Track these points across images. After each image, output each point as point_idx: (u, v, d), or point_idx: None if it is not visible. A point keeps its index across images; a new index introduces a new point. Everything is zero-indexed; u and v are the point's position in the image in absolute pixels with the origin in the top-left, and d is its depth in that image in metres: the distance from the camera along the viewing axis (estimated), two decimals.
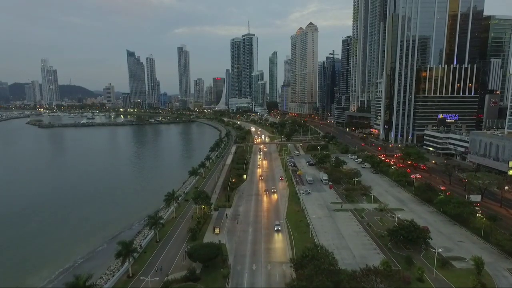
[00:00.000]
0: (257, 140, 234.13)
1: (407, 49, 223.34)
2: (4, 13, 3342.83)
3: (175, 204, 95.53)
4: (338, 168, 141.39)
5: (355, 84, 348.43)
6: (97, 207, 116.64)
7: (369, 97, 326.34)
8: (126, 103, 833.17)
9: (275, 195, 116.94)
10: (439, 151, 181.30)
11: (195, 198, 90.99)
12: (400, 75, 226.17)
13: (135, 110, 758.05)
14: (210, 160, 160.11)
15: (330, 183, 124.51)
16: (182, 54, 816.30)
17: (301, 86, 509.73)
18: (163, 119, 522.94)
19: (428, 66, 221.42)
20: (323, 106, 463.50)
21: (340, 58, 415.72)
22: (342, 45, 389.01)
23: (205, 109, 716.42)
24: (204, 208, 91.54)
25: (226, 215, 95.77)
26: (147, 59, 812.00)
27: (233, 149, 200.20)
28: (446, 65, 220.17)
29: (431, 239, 71.95)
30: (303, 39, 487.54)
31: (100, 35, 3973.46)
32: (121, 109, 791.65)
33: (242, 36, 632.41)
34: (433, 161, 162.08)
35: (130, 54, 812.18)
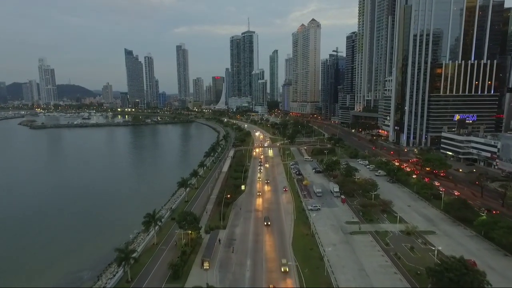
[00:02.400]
0: (257, 150, 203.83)
1: (420, 44, 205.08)
2: (4, 13, 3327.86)
3: (156, 228, 77.70)
4: (350, 177, 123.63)
5: (361, 83, 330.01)
6: (57, 235, 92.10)
7: (376, 96, 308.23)
8: (124, 102, 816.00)
9: (279, 209, 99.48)
10: (460, 156, 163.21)
11: (180, 221, 73.17)
12: (412, 72, 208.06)
13: (133, 110, 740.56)
14: (205, 167, 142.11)
15: (343, 197, 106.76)
16: (181, 53, 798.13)
17: (303, 84, 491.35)
18: (160, 119, 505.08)
19: (443, 62, 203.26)
20: (326, 105, 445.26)
21: (345, 55, 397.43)
22: (346, 42, 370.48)
23: (204, 108, 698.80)
24: (191, 234, 73.82)
25: (219, 240, 78.15)
26: (145, 57, 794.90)
27: (231, 153, 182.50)
28: (463, 61, 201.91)
29: (490, 285, 53.87)
30: (305, 36, 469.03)
31: (100, 34, 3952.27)
32: (119, 109, 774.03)
33: (242, 33, 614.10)
34: (460, 169, 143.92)
35: (128, 53, 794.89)
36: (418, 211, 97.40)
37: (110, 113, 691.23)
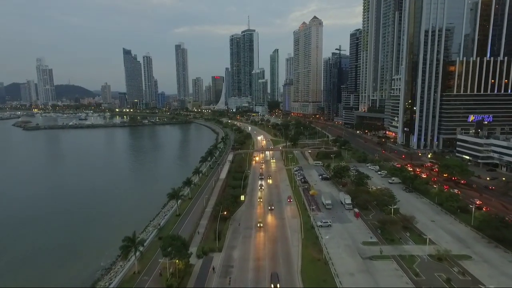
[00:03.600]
0: (257, 158, 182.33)
1: (432, 40, 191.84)
2: (5, 13, 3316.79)
3: (137, 253, 64.51)
4: (362, 186, 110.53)
5: (366, 82, 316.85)
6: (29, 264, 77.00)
7: (382, 95, 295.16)
8: (123, 103, 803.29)
9: (283, 226, 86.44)
10: (479, 161, 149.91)
11: (165, 247, 59.92)
12: (423, 70, 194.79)
13: (131, 110, 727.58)
14: (200, 174, 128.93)
15: (356, 210, 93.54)
16: (180, 52, 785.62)
17: (304, 84, 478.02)
18: (158, 120, 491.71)
19: (457, 59, 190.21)
20: (328, 105, 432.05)
21: (348, 54, 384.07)
22: (350, 39, 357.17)
23: (204, 109, 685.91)
24: (178, 263, 60.62)
25: (213, 268, 65.09)
26: (144, 57, 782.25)
27: (230, 157, 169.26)
28: (478, 58, 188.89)
29: None
30: (307, 34, 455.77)
31: (101, 35, 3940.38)
32: (117, 109, 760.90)
33: (242, 32, 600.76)
34: (481, 176, 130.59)
35: (127, 52, 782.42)
36: (444, 227, 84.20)
37: (108, 113, 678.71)
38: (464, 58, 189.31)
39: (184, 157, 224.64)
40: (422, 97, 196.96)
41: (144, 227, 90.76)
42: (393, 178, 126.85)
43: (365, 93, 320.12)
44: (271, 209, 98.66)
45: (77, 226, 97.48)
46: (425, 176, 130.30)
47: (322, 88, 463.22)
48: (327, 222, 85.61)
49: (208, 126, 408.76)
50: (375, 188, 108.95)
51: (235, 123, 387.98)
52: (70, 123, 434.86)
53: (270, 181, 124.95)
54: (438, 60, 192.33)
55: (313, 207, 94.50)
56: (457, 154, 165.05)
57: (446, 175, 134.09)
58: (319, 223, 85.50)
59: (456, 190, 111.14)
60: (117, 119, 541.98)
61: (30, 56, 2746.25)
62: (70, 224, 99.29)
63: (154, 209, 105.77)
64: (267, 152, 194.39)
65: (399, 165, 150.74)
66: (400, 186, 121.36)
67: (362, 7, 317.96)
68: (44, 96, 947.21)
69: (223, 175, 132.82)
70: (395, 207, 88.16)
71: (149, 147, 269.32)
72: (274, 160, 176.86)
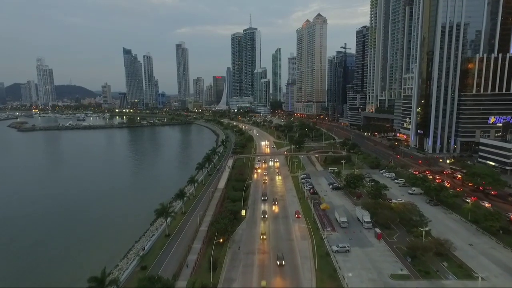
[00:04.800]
0: (259, 169, 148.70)
1: (449, 35, 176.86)
2: (5, 13, 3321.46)
3: None
4: (381, 199, 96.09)
5: (373, 81, 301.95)
6: None
7: (390, 95, 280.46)
8: (123, 103, 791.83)
9: (292, 250, 72.20)
10: (507, 168, 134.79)
11: None
12: (440, 68, 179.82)
13: (131, 110, 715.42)
14: (196, 184, 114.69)
15: (377, 230, 79.01)
16: (181, 52, 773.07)
17: (308, 84, 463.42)
18: (157, 121, 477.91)
19: (477, 55, 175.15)
20: (333, 106, 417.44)
21: (354, 52, 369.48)
22: (356, 37, 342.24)
23: (205, 109, 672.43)
24: None
25: None
26: (144, 57, 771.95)
27: (230, 162, 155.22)
28: (499, 55, 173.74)
29: None
30: (311, 32, 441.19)
31: (102, 35, 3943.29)
32: (117, 110, 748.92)
33: (244, 30, 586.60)
34: None
35: (127, 52, 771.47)
36: (487, 254, 69.68)
37: (107, 114, 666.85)
38: (485, 55, 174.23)
39: (181, 161, 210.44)
40: (438, 97, 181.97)
41: (126, 252, 76.71)
42: (413, 188, 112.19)
43: (372, 92, 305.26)
44: (281, 266, 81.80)
45: (37, 260, 78.51)
46: (448, 185, 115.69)
47: (326, 88, 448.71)
48: (345, 246, 71.26)
49: (208, 127, 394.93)
50: (396, 201, 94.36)
51: (237, 124, 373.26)
52: (66, 124, 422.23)
53: (276, 209, 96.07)
54: (456, 56, 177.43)
55: (328, 229, 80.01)
56: (479, 159, 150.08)
57: (471, 184, 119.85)
58: (335, 248, 71.14)
59: (486, 203, 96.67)
60: (117, 120, 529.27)
61: (31, 56, 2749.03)
62: (28, 253, 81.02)
63: (142, 226, 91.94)
64: (269, 158, 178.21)
65: (417, 172, 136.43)
66: (422, 197, 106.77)
67: (370, 3, 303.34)
68: (44, 96, 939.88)
69: (221, 184, 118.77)
70: (426, 229, 73.32)
71: (145, 150, 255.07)
72: (277, 164, 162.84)
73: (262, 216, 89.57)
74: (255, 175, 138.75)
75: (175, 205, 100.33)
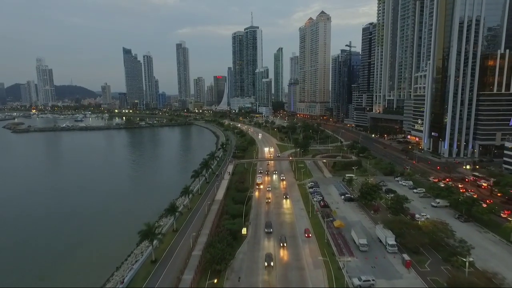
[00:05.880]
0: (261, 185, 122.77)
1: (468, 31, 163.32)
2: (6, 14, 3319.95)
3: None
4: (402, 213, 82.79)
5: (381, 80, 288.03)
6: None
7: (399, 95, 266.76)
8: (123, 103, 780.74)
9: (304, 283, 59.08)
10: None
11: None
12: (457, 66, 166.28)
13: (130, 111, 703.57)
14: (191, 195, 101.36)
15: (406, 257, 65.42)
16: (181, 51, 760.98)
17: (311, 83, 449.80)
18: (156, 121, 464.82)
19: (498, 51, 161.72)
20: (337, 106, 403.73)
21: (359, 50, 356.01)
22: (362, 34, 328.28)
23: (205, 109, 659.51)
24: None
25: None
26: (144, 56, 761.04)
27: (230, 168, 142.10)
28: None
29: None
30: (314, 31, 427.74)
31: (103, 35, 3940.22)
32: (116, 110, 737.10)
33: (245, 29, 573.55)
34: None
35: (127, 52, 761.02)
36: None
37: (106, 114, 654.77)
38: (507, 51, 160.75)
39: (179, 166, 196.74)
40: (455, 97, 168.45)
41: (103, 284, 63.63)
42: (437, 200, 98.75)
43: (379, 92, 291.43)
44: (283, 246, 71.97)
45: None
46: (475, 196, 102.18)
47: (330, 88, 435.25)
48: (369, 280, 58.00)
49: (208, 128, 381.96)
50: (423, 218, 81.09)
51: (238, 125, 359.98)
52: (62, 125, 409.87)
53: (284, 255, 69.05)
54: (475, 53, 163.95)
55: (344, 253, 66.63)
56: (504, 165, 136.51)
57: (500, 194, 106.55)
58: (356, 282, 57.83)
59: None
60: (116, 120, 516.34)
61: (32, 56, 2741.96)
62: None
63: (127, 246, 78.86)
64: (271, 163, 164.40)
65: (437, 180, 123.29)
66: (449, 212, 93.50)
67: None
68: (44, 96, 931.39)
69: (220, 194, 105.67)
70: (471, 259, 59.81)
71: (141, 153, 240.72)
72: (281, 169, 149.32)
73: (266, 264, 64.70)
74: (257, 192, 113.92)
75: (166, 222, 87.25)
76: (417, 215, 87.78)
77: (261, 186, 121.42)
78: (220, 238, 68.86)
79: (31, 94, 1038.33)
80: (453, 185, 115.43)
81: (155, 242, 67.68)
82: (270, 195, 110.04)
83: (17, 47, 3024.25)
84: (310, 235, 79.05)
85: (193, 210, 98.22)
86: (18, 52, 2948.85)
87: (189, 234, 77.19)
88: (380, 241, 74.55)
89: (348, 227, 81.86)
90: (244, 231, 79.70)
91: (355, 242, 74.00)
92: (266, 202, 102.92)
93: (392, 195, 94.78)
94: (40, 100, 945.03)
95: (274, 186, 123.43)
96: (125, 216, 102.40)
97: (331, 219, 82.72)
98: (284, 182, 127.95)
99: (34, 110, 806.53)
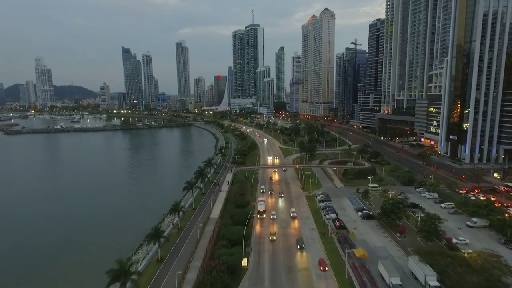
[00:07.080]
0: (264, 214, 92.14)
1: (493, 24, 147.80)
2: (6, 14, 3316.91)
3: None
4: (436, 237, 67.47)
5: (389, 79, 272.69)
6: None
7: (410, 95, 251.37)
8: (122, 103, 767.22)
9: None
10: None
11: None
12: (481, 62, 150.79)
13: (129, 111, 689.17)
14: (181, 212, 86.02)
15: None
16: (181, 51, 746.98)
17: (314, 83, 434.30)
18: (154, 123, 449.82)
19: None
20: (342, 106, 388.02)
21: (365, 48, 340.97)
22: (369, 31, 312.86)
23: (205, 110, 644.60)
24: None
25: None
26: (143, 56, 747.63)
27: (229, 177, 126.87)
28: None
29: None
30: (317, 28, 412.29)
31: (103, 36, 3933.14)
32: (114, 111, 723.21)
33: (246, 27, 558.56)
34: None
35: (126, 51, 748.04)
36: None
37: (105, 115, 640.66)
38: None
39: (176, 171, 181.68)
40: (477, 97, 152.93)
41: None
42: (473, 219, 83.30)
43: (388, 92, 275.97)
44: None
45: None
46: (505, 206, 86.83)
47: (334, 87, 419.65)
48: None
49: (208, 129, 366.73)
50: (468, 248, 65.72)
51: (242, 128, 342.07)
52: (57, 127, 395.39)
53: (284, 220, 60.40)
54: (500, 48, 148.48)
55: (365, 279, 51.35)
56: None
57: None
58: None
59: None
60: (115, 121, 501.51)
61: (31, 57, 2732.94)
62: None
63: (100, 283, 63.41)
64: (275, 176, 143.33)
65: (465, 191, 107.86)
66: (489, 233, 78.16)
67: None
68: (43, 97, 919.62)
69: (216, 211, 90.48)
70: None
71: (133, 158, 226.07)
72: (286, 177, 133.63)
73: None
74: (258, 226, 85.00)
75: (148, 250, 71.98)
76: (454, 240, 72.57)
77: (264, 215, 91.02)
78: (214, 277, 53.73)
79: (30, 94, 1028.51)
80: (484, 197, 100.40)
81: (129, 284, 52.26)
82: (275, 228, 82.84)
83: (17, 47, 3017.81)
84: (327, 268, 63.69)
85: (184, 231, 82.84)
86: (18, 52, 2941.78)
87: (176, 268, 61.71)
88: (414, 276, 59.32)
89: (373, 256, 66.58)
90: (244, 262, 64.53)
91: (383, 279, 58.74)
92: (270, 239, 76.30)
93: (421, 214, 79.35)
94: (39, 100, 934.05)
95: (282, 219, 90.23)
96: (98, 249, 79.77)
97: (352, 250, 66.91)
98: (296, 222, 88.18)
99: (33, 111, 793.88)
